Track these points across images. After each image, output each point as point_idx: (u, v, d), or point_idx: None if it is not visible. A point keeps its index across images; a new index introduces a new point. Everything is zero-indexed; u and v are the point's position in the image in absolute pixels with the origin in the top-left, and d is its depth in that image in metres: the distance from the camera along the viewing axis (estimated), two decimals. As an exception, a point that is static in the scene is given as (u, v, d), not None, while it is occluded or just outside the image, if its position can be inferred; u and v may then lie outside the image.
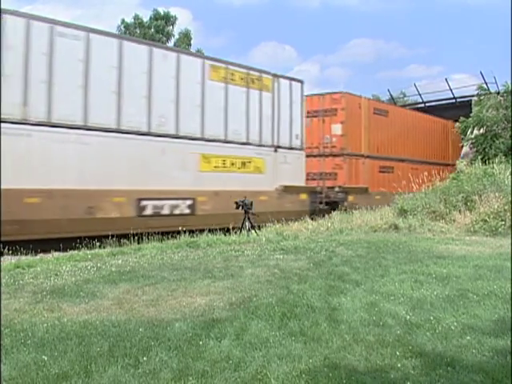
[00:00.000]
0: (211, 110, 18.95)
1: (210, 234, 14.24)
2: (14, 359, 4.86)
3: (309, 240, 13.50)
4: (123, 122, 16.29)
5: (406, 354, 5.04)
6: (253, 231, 15.30)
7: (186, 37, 46.22)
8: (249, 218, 15.46)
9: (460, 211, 16.94)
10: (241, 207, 15.42)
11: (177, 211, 17.54)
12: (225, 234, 14.78)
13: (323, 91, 26.74)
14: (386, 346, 5.25)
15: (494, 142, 29.70)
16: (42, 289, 7.80)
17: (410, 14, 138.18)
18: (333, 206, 23.64)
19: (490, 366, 4.73)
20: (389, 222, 16.66)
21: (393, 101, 44.24)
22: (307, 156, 23.59)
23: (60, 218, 14.42)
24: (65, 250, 13.20)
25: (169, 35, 45.93)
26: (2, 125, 13.41)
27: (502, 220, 15.46)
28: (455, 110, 37.46)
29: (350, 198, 25.02)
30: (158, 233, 14.37)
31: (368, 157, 27.48)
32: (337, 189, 24.81)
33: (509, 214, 15.60)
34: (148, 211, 16.77)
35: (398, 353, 5.05)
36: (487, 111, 30.52)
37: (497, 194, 16.70)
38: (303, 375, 4.53)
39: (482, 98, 32.52)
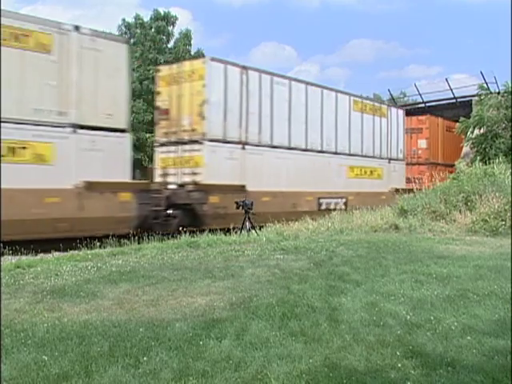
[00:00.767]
0: (355, 132, 26.10)
1: (210, 234, 14.24)
2: (14, 359, 4.86)
3: (309, 240, 13.48)
4: (308, 143, 23.32)
5: (406, 354, 5.04)
6: (253, 231, 15.29)
7: (186, 37, 46.20)
8: (249, 218, 15.45)
9: (460, 211, 16.94)
10: (241, 207, 15.41)
11: (337, 207, 23.40)
12: (225, 234, 14.78)
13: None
14: (386, 346, 5.25)
15: (494, 141, 29.75)
16: (43, 289, 7.81)
17: (409, 14, 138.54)
18: None
19: (491, 366, 4.73)
20: (389, 221, 16.66)
21: (393, 101, 44.23)
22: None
23: (279, 211, 19.90)
24: (74, 249, 13.31)
25: (169, 35, 45.91)
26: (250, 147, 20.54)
27: (502, 220, 15.47)
28: (456, 109, 37.52)
29: None
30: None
31: (441, 164, 35.37)
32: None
33: (509, 213, 15.60)
34: (323, 206, 23.37)
35: (398, 353, 5.05)
36: (488, 111, 30.53)
37: (497, 194, 16.69)
38: (303, 375, 4.53)
39: (482, 97, 32.53)
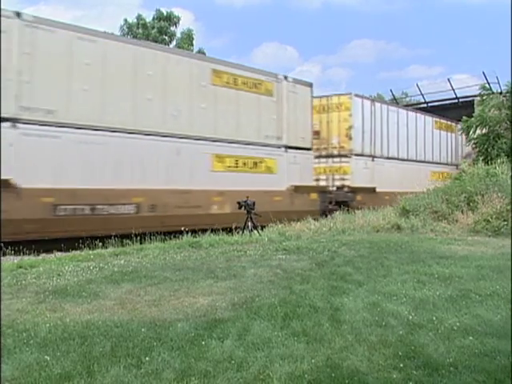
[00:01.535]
0: (435, 146, 33.17)
1: (212, 234, 14.25)
2: (16, 359, 4.86)
3: (311, 240, 13.49)
4: (410, 154, 30.34)
5: (408, 354, 5.04)
6: (255, 231, 15.29)
7: (188, 37, 46.19)
8: (251, 218, 15.46)
9: (462, 211, 16.92)
10: (243, 207, 15.42)
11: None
12: (227, 234, 14.79)
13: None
14: (388, 346, 5.25)
15: (496, 142, 29.73)
16: (45, 289, 7.81)
17: (410, 14, 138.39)
18: None
19: (493, 367, 4.72)
20: (391, 222, 16.64)
21: (395, 101, 44.20)
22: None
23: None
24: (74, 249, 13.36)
25: (171, 36, 45.91)
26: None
27: (504, 220, 15.45)
28: (458, 110, 37.45)
29: None
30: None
31: None
32: None
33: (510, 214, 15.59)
34: None
35: (400, 353, 5.05)
36: (490, 111, 30.51)
37: (499, 194, 16.67)
38: (306, 375, 4.53)
39: (484, 97, 32.50)
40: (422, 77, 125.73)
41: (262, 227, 16.69)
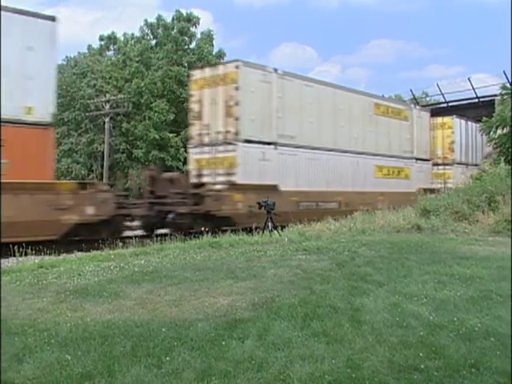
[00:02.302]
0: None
1: (232, 234, 14.26)
2: (37, 358, 4.90)
3: (331, 240, 13.45)
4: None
5: (429, 355, 5.01)
6: (275, 231, 15.29)
7: (208, 38, 46.36)
8: (271, 218, 15.47)
9: (483, 212, 16.80)
10: (263, 207, 15.43)
11: None
12: (247, 234, 14.80)
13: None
14: (409, 347, 5.22)
15: (516, 141, 29.36)
16: (65, 288, 7.87)
17: (428, 14, 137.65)
18: None
19: (515, 369, 4.68)
20: (411, 222, 16.57)
21: (415, 101, 43.98)
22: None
23: None
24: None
25: (191, 36, 46.09)
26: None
27: (526, 220, 15.30)
28: (479, 109, 37.19)
29: None
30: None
31: None
32: None
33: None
34: None
35: (421, 354, 5.02)
36: (510, 111, 30.18)
37: (521, 195, 16.53)
38: (326, 376, 4.51)
39: (505, 97, 32.17)
40: (440, 76, 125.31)
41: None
